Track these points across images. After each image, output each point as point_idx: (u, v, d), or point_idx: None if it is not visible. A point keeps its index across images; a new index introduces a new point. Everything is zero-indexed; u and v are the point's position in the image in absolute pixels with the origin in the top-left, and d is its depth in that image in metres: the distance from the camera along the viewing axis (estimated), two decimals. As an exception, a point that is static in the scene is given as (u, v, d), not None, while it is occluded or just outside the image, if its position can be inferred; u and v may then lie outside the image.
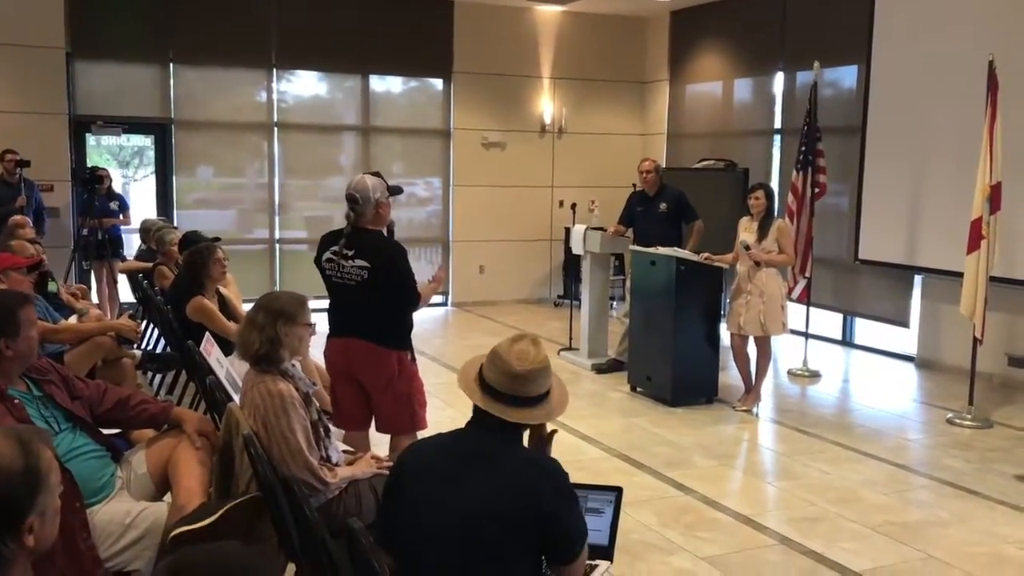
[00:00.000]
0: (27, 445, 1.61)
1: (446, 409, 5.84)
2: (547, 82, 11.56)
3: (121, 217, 9.34)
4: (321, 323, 4.02)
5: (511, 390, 2.38)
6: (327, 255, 4.17)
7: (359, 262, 4.05)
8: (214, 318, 5.47)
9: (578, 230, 7.98)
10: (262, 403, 3.16)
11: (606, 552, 2.81)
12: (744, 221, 6.70)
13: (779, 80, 9.99)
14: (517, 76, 11.41)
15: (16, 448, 1.60)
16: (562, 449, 5.48)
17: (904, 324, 8.60)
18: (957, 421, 6.47)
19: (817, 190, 7.98)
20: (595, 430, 6.15)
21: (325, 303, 4.27)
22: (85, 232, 9.04)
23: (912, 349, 8.49)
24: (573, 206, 8.56)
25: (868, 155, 8.47)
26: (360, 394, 4.25)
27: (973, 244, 6.33)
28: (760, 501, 5.08)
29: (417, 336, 4.37)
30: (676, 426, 6.30)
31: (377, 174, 4.33)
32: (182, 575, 1.28)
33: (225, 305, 5.83)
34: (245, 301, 6.81)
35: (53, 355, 4.38)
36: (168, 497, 3.19)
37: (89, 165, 9.52)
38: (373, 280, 4.06)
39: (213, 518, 2.75)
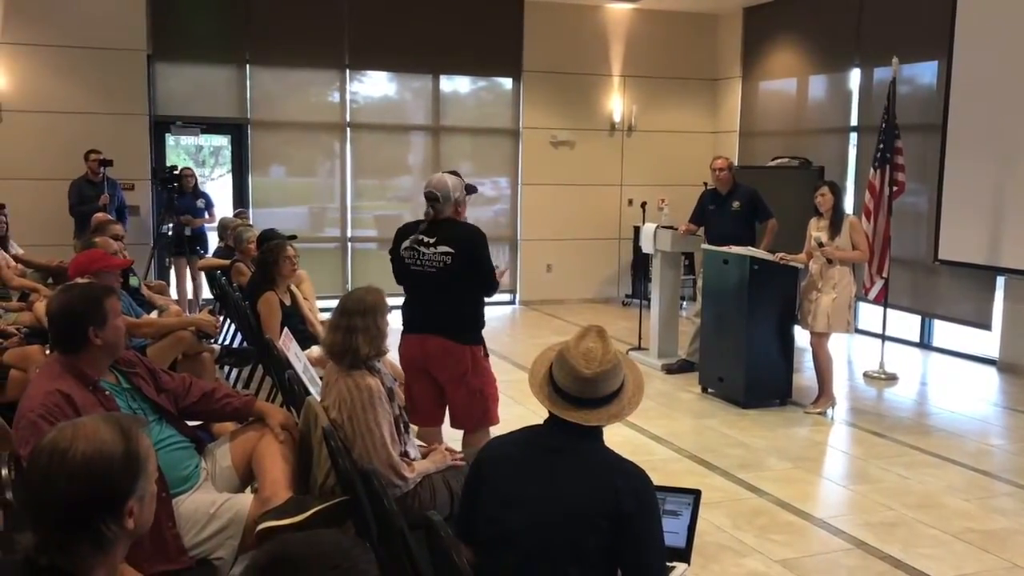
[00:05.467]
0: (127, 431, 1.67)
1: (515, 407, 5.85)
2: (617, 80, 11.50)
3: (206, 215, 9.59)
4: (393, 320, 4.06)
5: (579, 392, 2.34)
6: (406, 244, 4.20)
7: (441, 248, 4.12)
8: (268, 317, 5.54)
9: (648, 228, 7.92)
10: (349, 396, 3.22)
11: (683, 555, 2.78)
12: (813, 221, 6.59)
13: (855, 76, 9.78)
14: (587, 74, 11.37)
15: (117, 433, 1.65)
16: (633, 449, 5.52)
17: (986, 327, 8.35)
18: (1042, 427, 6.27)
19: (895, 188, 7.79)
20: (666, 431, 6.11)
21: (397, 300, 4.32)
22: (165, 229, 9.30)
23: (994, 352, 8.25)
24: (643, 204, 8.50)
25: (949, 152, 8.25)
26: (434, 389, 4.31)
27: (1061, 244, 6.13)
28: (835, 504, 4.99)
29: (485, 334, 4.41)
30: (748, 428, 6.22)
31: (455, 173, 4.37)
32: (282, 563, 1.30)
33: (296, 302, 5.93)
34: (318, 298, 6.95)
35: (137, 349, 4.50)
36: (250, 489, 3.26)
37: (168, 164, 9.77)
38: (455, 265, 4.13)
39: (302, 516, 2.80)
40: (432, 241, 4.13)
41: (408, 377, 4.40)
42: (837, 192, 6.55)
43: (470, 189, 4.39)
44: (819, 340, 6.50)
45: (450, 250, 4.12)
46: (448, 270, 4.14)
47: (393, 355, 4.53)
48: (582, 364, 2.33)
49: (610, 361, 2.35)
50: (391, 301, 3.47)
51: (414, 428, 4.16)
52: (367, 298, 3.44)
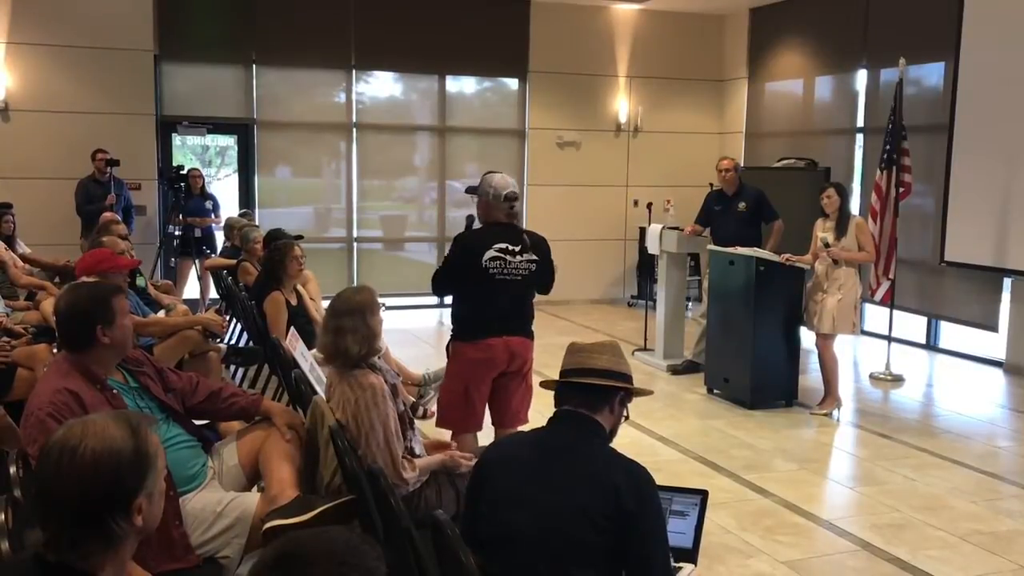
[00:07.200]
0: (137, 428, 1.68)
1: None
2: (623, 81, 11.50)
3: (213, 216, 9.60)
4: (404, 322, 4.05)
5: (577, 363, 2.49)
6: (492, 253, 4.17)
7: (527, 256, 4.23)
8: (275, 316, 5.54)
9: (654, 229, 7.92)
10: (353, 396, 3.21)
11: (690, 555, 2.78)
12: (819, 222, 6.59)
13: (862, 77, 9.77)
14: (593, 75, 11.37)
15: (126, 431, 1.66)
16: (638, 450, 5.51)
17: (992, 328, 8.32)
18: (1049, 429, 6.25)
19: (902, 190, 7.78)
20: (672, 431, 6.10)
21: (395, 300, 4.32)
22: (171, 229, 9.31)
23: (1000, 354, 8.22)
24: (649, 205, 8.49)
25: (955, 154, 8.24)
26: (489, 393, 4.32)
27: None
28: (841, 506, 4.98)
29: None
30: (754, 429, 6.21)
31: (486, 174, 4.41)
32: (291, 559, 1.31)
33: (302, 302, 5.93)
34: (324, 298, 6.94)
35: (144, 348, 4.51)
36: (257, 488, 3.27)
37: (175, 164, 9.79)
38: (537, 271, 4.28)
39: (309, 515, 2.80)
40: (517, 249, 4.21)
41: (473, 379, 4.25)
42: (843, 193, 6.55)
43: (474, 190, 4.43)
44: (825, 341, 6.50)
45: (535, 258, 4.25)
46: (531, 275, 4.26)
47: (413, 356, 4.54)
48: (580, 341, 2.57)
49: (609, 342, 2.54)
50: (397, 302, 3.46)
51: (420, 426, 4.16)
52: (355, 298, 3.43)
